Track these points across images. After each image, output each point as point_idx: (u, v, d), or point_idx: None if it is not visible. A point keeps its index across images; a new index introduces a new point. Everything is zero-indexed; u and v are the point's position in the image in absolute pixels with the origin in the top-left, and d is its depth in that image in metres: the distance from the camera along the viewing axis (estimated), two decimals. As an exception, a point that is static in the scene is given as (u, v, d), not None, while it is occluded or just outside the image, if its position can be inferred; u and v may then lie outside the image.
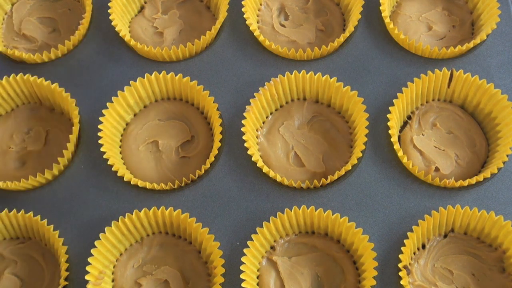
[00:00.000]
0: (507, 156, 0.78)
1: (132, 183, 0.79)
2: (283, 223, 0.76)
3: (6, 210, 0.78)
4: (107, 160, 0.80)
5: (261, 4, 0.95)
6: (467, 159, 0.81)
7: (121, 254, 0.78)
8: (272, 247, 0.77)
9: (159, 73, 0.84)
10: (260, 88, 0.83)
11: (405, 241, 0.74)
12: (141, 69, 0.89)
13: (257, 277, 0.76)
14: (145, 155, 0.83)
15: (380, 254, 0.76)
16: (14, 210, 0.77)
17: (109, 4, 0.91)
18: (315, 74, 0.83)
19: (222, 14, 0.90)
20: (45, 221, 0.77)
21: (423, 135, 0.83)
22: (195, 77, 0.86)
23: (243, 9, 0.90)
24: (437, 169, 0.80)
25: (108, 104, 0.83)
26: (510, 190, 0.79)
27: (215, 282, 0.72)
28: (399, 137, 0.84)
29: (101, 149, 0.80)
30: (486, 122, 0.84)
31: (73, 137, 0.81)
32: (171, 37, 0.93)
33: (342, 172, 0.79)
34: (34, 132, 0.86)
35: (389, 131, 0.80)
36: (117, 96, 0.83)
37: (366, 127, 0.80)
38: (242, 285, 0.72)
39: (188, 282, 0.75)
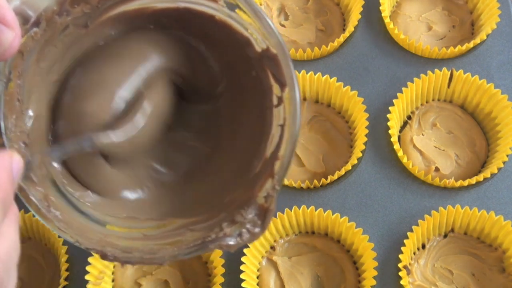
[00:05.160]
0: (507, 156, 0.78)
1: (132, 183, 0.79)
2: (283, 223, 0.76)
3: (6, 210, 0.77)
4: (107, 160, 0.79)
5: (261, 4, 0.95)
6: (467, 159, 0.81)
7: (121, 254, 0.78)
8: (272, 247, 0.78)
9: (159, 73, 0.84)
10: (260, 88, 0.83)
11: (405, 241, 0.74)
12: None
13: (257, 277, 0.76)
14: (145, 155, 0.83)
15: (380, 254, 0.76)
16: (14, 210, 0.77)
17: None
18: (315, 74, 0.83)
19: (222, 14, 0.90)
20: (45, 221, 0.77)
21: (423, 135, 0.83)
22: (195, 77, 0.86)
23: (243, 9, 0.90)
24: (437, 169, 0.81)
25: (108, 104, 0.82)
26: (510, 190, 0.79)
27: (215, 282, 0.72)
28: (399, 137, 0.84)
29: (101, 149, 0.79)
30: (486, 122, 0.84)
31: (73, 137, 0.81)
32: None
33: (342, 172, 0.79)
34: (34, 132, 0.85)
35: (389, 131, 0.80)
36: (117, 96, 0.83)
37: (366, 127, 0.80)
38: (242, 285, 0.72)
39: (188, 282, 0.75)
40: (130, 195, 0.64)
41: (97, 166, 0.62)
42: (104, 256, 0.56)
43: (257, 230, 0.56)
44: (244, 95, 0.64)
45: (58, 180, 0.60)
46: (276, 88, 0.59)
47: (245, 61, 0.61)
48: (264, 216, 0.56)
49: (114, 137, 0.58)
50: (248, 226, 0.56)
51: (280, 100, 0.58)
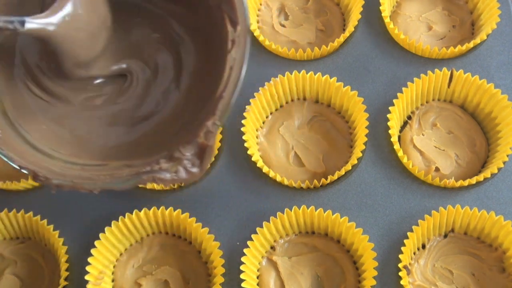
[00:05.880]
0: (507, 156, 0.78)
1: (132, 183, 0.79)
2: (283, 223, 0.76)
3: (6, 210, 0.78)
4: (107, 160, 0.80)
5: (261, 4, 0.95)
6: (467, 159, 0.81)
7: (121, 254, 0.78)
8: (272, 247, 0.78)
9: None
10: (260, 88, 0.83)
11: (405, 241, 0.74)
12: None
13: (257, 277, 0.76)
14: (145, 155, 0.83)
15: (380, 254, 0.76)
16: (14, 210, 0.77)
17: None
18: (315, 74, 0.83)
19: (222, 14, 0.90)
20: (45, 221, 0.77)
21: (423, 135, 0.83)
22: (195, 77, 0.86)
23: (243, 9, 0.90)
24: (437, 169, 0.81)
25: (108, 104, 0.83)
26: (510, 190, 0.79)
27: (215, 282, 0.72)
28: (399, 137, 0.84)
29: (101, 149, 0.80)
30: (486, 122, 0.84)
31: (73, 137, 0.81)
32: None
33: (342, 172, 0.79)
34: (34, 132, 0.85)
35: (389, 131, 0.80)
36: (117, 96, 0.83)
37: (366, 127, 0.80)
38: (242, 285, 0.72)
39: (188, 282, 0.75)
40: (77, 133, 0.65)
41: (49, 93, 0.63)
42: (35, 177, 0.57)
43: (194, 169, 0.57)
44: (205, 46, 0.65)
45: (6, 105, 0.61)
46: (231, 33, 0.60)
47: (207, 12, 0.63)
48: (203, 154, 0.56)
49: (44, 20, 0.56)
50: (186, 163, 0.56)
51: (233, 43, 0.59)
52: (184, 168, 0.57)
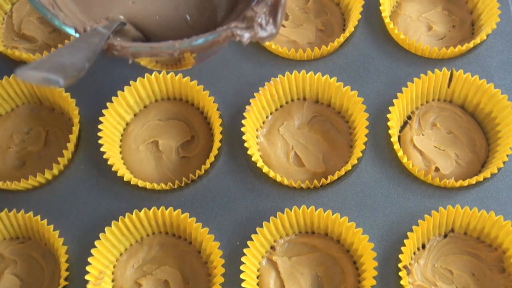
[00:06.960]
0: (507, 156, 0.78)
1: (132, 183, 0.79)
2: (283, 223, 0.76)
3: (6, 210, 0.78)
4: (107, 160, 0.80)
5: (261, 4, 0.95)
6: (467, 159, 0.82)
7: (121, 254, 0.78)
8: (272, 247, 0.78)
9: (159, 73, 0.84)
10: (260, 88, 0.83)
11: (405, 241, 0.74)
12: (141, 69, 0.89)
13: (257, 277, 0.76)
14: (145, 155, 0.83)
15: (380, 254, 0.76)
16: (14, 210, 0.77)
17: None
18: (315, 74, 0.83)
19: (222, 14, 0.90)
20: (45, 221, 0.77)
21: (423, 135, 0.83)
22: (195, 77, 0.86)
23: (243, 9, 0.90)
24: (437, 169, 0.81)
25: (108, 104, 0.83)
26: (510, 190, 0.79)
27: (215, 282, 0.72)
28: (399, 137, 0.84)
29: (101, 149, 0.80)
30: (486, 122, 0.84)
31: (73, 137, 0.81)
32: (171, 37, 0.93)
33: (342, 172, 0.79)
34: (34, 132, 0.86)
35: (389, 131, 0.80)
36: (117, 96, 0.83)
37: (366, 127, 0.80)
38: (242, 285, 0.72)
39: (188, 282, 0.75)
40: None
41: None
42: (110, 47, 0.56)
43: (269, 26, 0.58)
44: None
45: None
46: None
47: None
48: (276, 11, 0.58)
49: None
50: (260, 21, 0.58)
51: None
52: (260, 25, 0.58)
